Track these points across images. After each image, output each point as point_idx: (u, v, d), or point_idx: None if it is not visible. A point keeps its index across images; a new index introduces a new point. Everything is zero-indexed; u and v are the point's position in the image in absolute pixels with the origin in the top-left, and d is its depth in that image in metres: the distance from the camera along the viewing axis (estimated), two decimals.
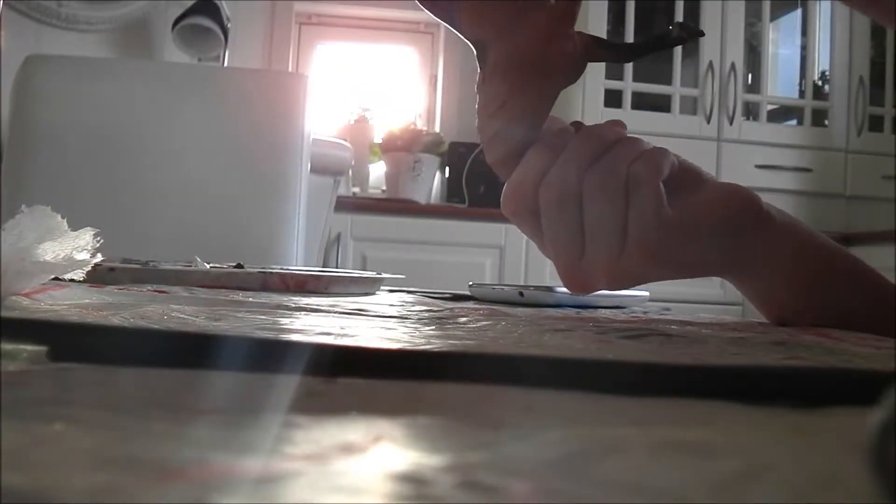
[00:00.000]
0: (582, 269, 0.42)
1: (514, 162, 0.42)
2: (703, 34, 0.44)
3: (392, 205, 2.47)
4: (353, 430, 0.14)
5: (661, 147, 0.42)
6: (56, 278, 0.35)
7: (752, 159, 2.60)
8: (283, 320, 0.36)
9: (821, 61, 2.77)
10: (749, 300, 0.49)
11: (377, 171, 2.73)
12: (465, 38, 0.43)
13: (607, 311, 0.60)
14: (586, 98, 2.50)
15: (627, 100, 2.57)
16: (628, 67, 2.56)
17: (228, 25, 2.50)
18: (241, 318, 0.35)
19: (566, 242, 0.41)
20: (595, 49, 0.42)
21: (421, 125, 2.87)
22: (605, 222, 0.40)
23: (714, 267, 0.46)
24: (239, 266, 0.73)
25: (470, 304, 0.59)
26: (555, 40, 0.41)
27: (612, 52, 0.44)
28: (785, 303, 0.48)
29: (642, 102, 2.61)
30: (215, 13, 2.44)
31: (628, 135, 0.43)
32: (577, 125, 0.43)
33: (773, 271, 0.47)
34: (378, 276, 0.73)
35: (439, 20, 0.44)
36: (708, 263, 0.45)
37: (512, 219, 0.43)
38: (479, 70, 0.43)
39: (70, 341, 0.20)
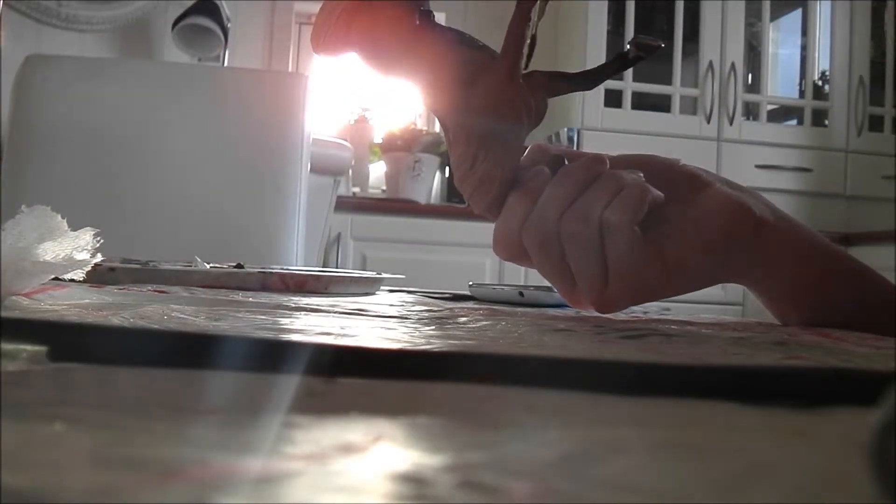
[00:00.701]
0: (578, 295, 0.44)
1: (500, 209, 0.44)
2: (661, 47, 0.45)
3: (392, 205, 2.47)
4: (353, 430, 0.14)
5: (641, 182, 0.42)
6: (56, 278, 0.35)
7: (752, 159, 2.60)
8: (283, 320, 0.36)
9: (821, 61, 2.77)
10: (752, 294, 0.50)
11: (377, 171, 2.73)
12: (426, 107, 0.45)
13: None
14: (586, 98, 2.50)
15: (627, 100, 2.57)
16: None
17: (228, 25, 2.50)
18: (241, 318, 0.35)
19: (556, 277, 0.44)
20: (553, 84, 0.43)
21: (421, 125, 2.87)
22: (585, 264, 0.42)
23: (710, 279, 0.46)
24: (239, 266, 0.72)
25: (470, 304, 0.59)
26: (507, 96, 0.42)
27: (569, 83, 0.45)
28: (785, 304, 0.49)
29: (642, 102, 2.61)
30: (215, 13, 2.44)
31: (608, 170, 0.43)
32: (558, 160, 0.44)
33: (772, 275, 0.47)
34: (378, 276, 0.73)
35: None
36: (703, 278, 0.45)
37: (507, 261, 0.46)
38: (443, 135, 0.45)
39: (70, 341, 0.20)
